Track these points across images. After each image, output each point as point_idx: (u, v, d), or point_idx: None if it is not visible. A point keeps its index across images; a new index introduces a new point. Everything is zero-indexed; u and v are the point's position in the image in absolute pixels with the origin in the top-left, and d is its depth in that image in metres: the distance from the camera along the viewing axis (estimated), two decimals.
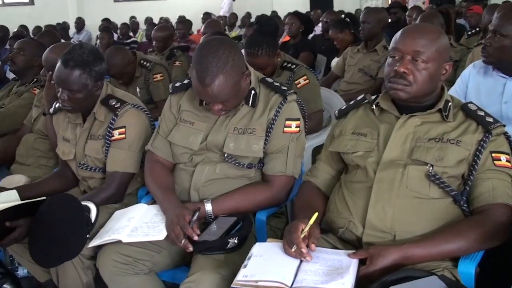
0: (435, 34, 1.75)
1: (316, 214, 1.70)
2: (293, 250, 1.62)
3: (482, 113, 1.75)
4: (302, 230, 1.65)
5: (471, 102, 1.81)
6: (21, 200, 2.21)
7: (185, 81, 2.18)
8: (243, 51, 3.07)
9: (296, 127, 2.06)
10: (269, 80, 2.14)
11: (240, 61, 1.97)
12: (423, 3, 11.03)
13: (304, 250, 1.60)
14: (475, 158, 1.67)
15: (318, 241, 1.67)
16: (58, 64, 2.23)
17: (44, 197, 2.13)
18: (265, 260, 1.63)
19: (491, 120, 1.72)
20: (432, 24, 1.87)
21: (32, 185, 2.53)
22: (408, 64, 1.71)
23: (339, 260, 1.60)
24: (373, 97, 1.93)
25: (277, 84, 2.12)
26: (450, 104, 1.77)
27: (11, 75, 4.78)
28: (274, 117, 2.04)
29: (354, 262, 1.58)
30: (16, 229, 2.05)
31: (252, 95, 2.06)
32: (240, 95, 2.01)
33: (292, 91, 2.11)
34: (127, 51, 4.10)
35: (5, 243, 2.10)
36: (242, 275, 1.57)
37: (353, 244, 1.74)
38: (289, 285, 1.51)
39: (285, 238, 1.68)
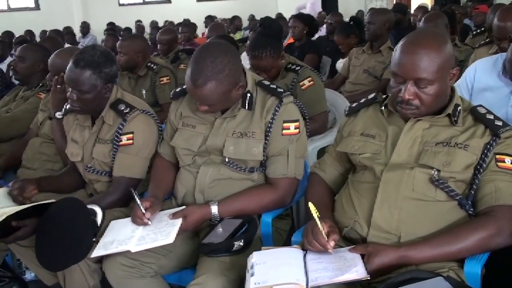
0: (435, 50, 1.65)
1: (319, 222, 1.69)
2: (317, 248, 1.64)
3: (491, 117, 1.72)
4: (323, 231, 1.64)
5: (480, 106, 1.78)
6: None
7: (184, 86, 2.19)
8: (244, 54, 3.08)
9: (295, 128, 2.06)
10: (266, 83, 2.14)
11: (236, 72, 1.98)
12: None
13: (330, 250, 1.61)
14: (481, 161, 1.66)
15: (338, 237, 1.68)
16: (70, 64, 2.25)
17: (53, 200, 2.15)
18: (271, 266, 1.62)
19: (500, 124, 1.70)
20: (432, 33, 1.75)
21: (48, 177, 2.55)
22: (411, 89, 1.67)
23: (342, 256, 1.61)
24: (384, 96, 1.92)
25: (273, 86, 2.13)
26: (459, 108, 1.75)
27: None
28: (271, 120, 2.05)
29: (357, 255, 1.60)
30: (21, 228, 2.07)
31: (248, 98, 2.07)
32: (228, 102, 2.04)
33: (288, 93, 2.12)
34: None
35: (9, 240, 2.12)
36: (254, 283, 1.55)
37: (357, 244, 1.73)
38: (304, 284, 1.51)
39: (306, 238, 1.68)
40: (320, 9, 11.27)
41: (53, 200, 2.14)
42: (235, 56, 2.00)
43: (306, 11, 10.10)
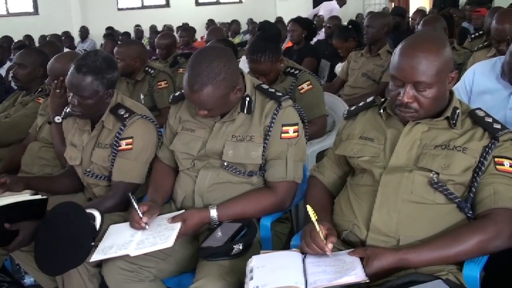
0: (434, 53, 1.66)
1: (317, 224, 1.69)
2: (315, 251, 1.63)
3: (490, 120, 1.72)
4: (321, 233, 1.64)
5: (479, 109, 1.79)
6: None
7: (183, 90, 2.19)
8: (243, 57, 3.08)
9: (294, 132, 2.07)
10: (265, 86, 2.15)
11: (233, 75, 1.99)
12: None
13: (328, 252, 1.61)
14: (479, 164, 1.66)
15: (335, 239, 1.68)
16: (71, 69, 2.25)
17: (46, 197, 2.14)
18: (270, 269, 1.63)
19: (498, 126, 1.70)
20: (431, 37, 1.76)
21: (40, 177, 2.53)
22: (410, 93, 1.67)
23: (341, 259, 1.61)
24: (382, 99, 1.93)
25: (272, 90, 2.13)
26: (458, 111, 1.75)
27: None
28: (270, 124, 2.05)
29: (356, 258, 1.60)
30: (19, 233, 2.06)
31: (247, 102, 2.07)
32: (226, 106, 2.04)
33: (287, 96, 2.12)
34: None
35: (11, 248, 2.10)
36: (254, 286, 1.55)
37: (356, 247, 1.73)
38: (304, 287, 1.52)
39: (304, 240, 1.68)
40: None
41: (45, 197, 2.13)
42: (231, 59, 2.01)
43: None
